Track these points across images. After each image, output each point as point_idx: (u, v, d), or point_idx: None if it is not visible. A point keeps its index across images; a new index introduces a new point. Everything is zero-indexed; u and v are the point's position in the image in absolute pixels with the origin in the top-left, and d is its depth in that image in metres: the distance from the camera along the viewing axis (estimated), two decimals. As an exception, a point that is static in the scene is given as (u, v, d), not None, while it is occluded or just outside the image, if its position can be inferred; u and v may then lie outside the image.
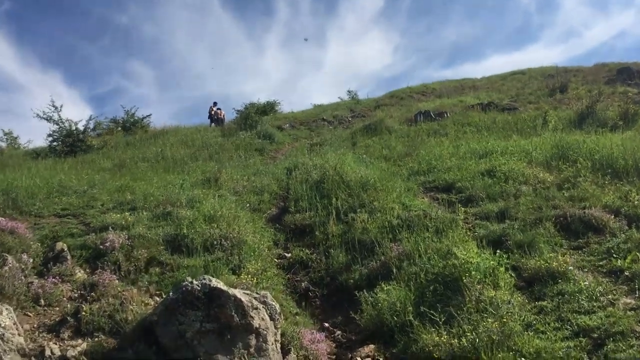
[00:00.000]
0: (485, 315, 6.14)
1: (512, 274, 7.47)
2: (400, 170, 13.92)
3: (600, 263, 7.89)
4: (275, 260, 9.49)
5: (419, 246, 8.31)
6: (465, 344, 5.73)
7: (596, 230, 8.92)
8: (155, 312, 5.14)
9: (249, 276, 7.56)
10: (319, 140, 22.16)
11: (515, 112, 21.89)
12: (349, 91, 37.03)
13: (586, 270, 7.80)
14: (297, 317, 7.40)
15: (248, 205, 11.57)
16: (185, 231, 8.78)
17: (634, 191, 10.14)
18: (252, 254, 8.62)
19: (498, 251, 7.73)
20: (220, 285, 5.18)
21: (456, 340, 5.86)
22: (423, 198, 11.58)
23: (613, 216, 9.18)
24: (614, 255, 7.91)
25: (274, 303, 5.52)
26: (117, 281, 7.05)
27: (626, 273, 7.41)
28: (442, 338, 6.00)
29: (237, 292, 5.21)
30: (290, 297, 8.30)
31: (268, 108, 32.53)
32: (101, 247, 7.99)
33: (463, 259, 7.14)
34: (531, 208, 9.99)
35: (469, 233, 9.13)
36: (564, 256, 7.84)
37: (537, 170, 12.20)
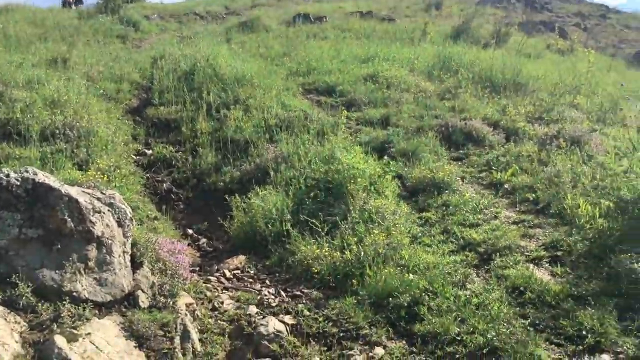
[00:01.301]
0: (372, 226, 5.54)
1: (398, 183, 6.99)
2: (278, 70, 12.82)
3: (481, 175, 7.80)
4: (133, 157, 8.21)
5: (299, 149, 7.49)
6: (350, 257, 5.10)
7: (476, 142, 8.87)
8: (-45, 212, 3.82)
9: (99, 173, 6.29)
10: (190, 34, 20.17)
11: (393, 23, 21.53)
12: (224, -13, 34.32)
13: (467, 182, 7.62)
14: (156, 222, 6.37)
15: (103, 93, 9.92)
16: (19, 116, 7.21)
17: (511, 106, 10.22)
18: (104, 147, 7.30)
19: (386, 158, 7.20)
20: (50, 181, 3.91)
21: (339, 254, 5.21)
22: (303, 100, 10.72)
23: (492, 129, 9.18)
24: (494, 168, 7.82)
25: (123, 206, 4.37)
26: None
27: (506, 186, 7.33)
28: (324, 250, 5.32)
29: (73, 191, 3.99)
30: (149, 199, 7.20)
31: (134, -7, 29.16)
32: None
33: (348, 164, 6.45)
34: (413, 117, 9.68)
35: (351, 139, 8.50)
36: (449, 166, 7.53)
37: (419, 79, 11.88)
